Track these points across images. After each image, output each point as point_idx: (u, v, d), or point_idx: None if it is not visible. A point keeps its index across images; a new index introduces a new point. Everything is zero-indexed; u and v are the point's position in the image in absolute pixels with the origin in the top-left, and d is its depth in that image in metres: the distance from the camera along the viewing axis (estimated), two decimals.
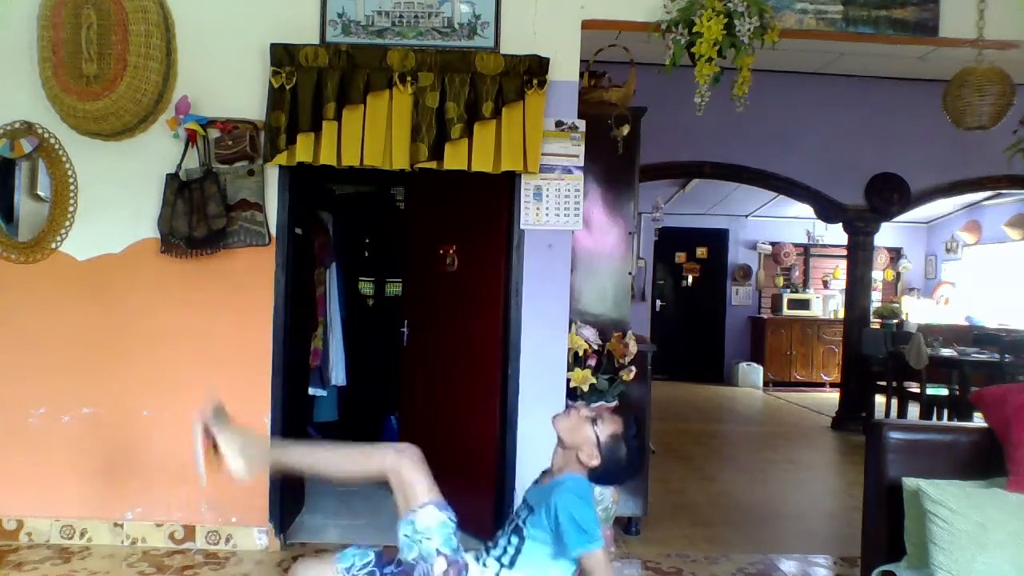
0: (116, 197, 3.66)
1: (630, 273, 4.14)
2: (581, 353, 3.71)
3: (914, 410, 6.89)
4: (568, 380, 3.68)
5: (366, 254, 6.01)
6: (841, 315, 8.68)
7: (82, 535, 3.65)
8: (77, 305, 3.67)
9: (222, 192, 3.54)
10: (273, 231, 3.66)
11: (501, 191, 3.74)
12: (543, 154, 3.61)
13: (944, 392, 6.54)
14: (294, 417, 3.94)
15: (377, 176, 4.96)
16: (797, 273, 11.12)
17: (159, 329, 3.66)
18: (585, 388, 3.67)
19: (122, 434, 3.65)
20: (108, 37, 3.49)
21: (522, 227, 3.69)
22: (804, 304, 10.77)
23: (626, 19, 3.71)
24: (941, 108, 3.76)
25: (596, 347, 3.77)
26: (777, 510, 4.76)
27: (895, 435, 2.56)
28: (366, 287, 6.02)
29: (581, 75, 3.83)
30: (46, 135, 3.65)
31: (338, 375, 5.13)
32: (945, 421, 6.31)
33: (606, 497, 3.69)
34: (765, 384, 10.45)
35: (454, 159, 3.50)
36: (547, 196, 3.68)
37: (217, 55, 3.65)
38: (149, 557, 3.52)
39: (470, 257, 4.02)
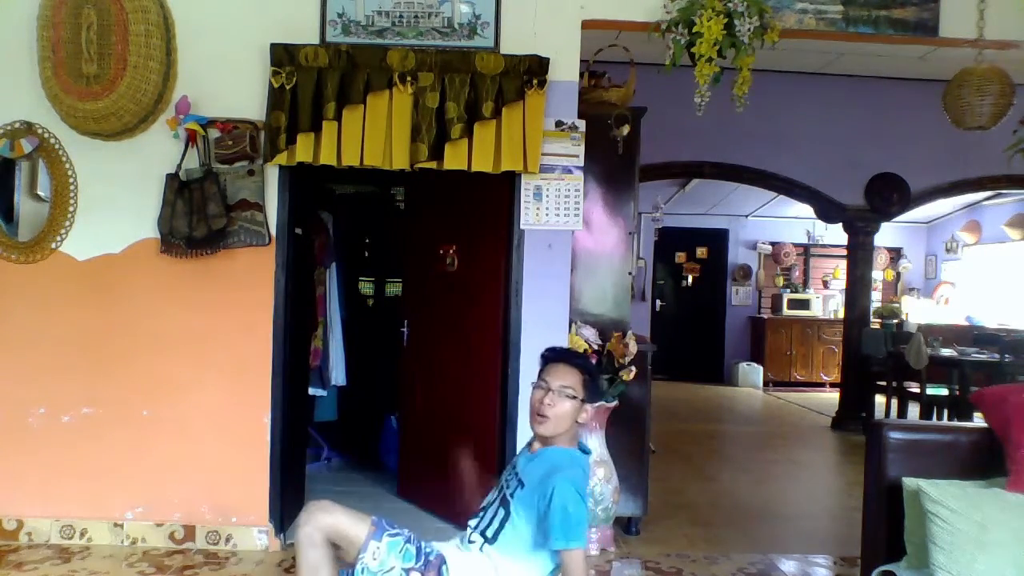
0: (116, 197, 3.66)
1: (630, 273, 4.15)
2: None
3: (914, 410, 6.89)
4: None
5: (366, 254, 6.02)
6: (841, 315, 8.67)
7: (82, 535, 3.64)
8: (77, 305, 3.67)
9: (222, 192, 3.54)
10: (273, 231, 3.66)
11: (501, 191, 3.74)
12: (543, 154, 3.61)
13: (944, 392, 6.54)
14: (294, 417, 3.94)
15: (377, 176, 4.96)
16: (797, 273, 11.11)
17: (159, 329, 3.66)
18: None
19: (122, 434, 3.65)
20: (108, 37, 3.50)
21: (522, 227, 3.70)
22: (804, 304, 10.75)
23: (626, 19, 3.71)
24: (941, 108, 3.77)
25: (596, 347, 3.78)
26: (777, 510, 4.76)
27: (895, 435, 2.56)
28: (366, 287, 6.03)
29: (581, 75, 3.83)
30: (46, 135, 3.65)
31: (338, 375, 5.13)
32: (945, 421, 6.31)
33: (606, 497, 3.70)
34: (765, 384, 10.44)
35: (454, 159, 3.51)
36: (547, 196, 3.68)
37: (217, 55, 3.65)
38: (149, 557, 3.52)
39: (470, 257, 4.02)
